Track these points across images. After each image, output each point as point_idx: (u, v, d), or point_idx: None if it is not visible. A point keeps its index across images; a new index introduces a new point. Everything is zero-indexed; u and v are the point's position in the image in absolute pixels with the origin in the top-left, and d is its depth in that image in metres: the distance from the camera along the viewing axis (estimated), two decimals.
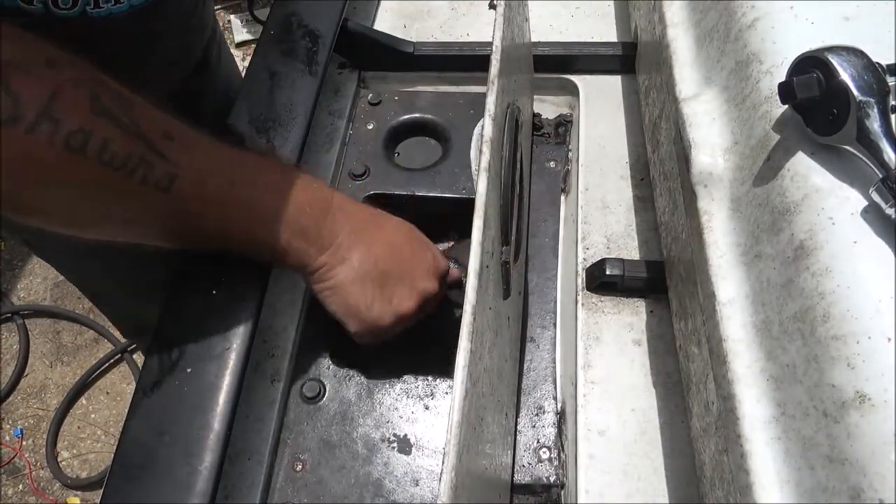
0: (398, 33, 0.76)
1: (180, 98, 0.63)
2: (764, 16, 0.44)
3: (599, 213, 0.62)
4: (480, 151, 0.40)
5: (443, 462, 0.31)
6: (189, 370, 0.48)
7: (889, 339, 0.30)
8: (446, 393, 0.55)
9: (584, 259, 0.59)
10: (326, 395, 0.55)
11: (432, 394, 0.55)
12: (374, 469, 0.52)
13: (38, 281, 1.80)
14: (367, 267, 0.49)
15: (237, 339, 0.49)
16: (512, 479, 0.51)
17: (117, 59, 0.53)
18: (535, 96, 0.75)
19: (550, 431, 0.54)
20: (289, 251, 0.47)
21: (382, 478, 0.51)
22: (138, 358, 1.63)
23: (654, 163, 0.60)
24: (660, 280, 0.55)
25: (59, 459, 1.55)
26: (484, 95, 0.42)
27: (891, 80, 0.35)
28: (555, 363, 0.57)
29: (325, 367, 0.57)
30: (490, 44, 0.44)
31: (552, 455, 0.52)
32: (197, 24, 0.67)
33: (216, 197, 0.44)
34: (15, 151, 0.35)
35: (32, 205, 0.39)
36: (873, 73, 0.34)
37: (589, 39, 0.75)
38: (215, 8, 2.47)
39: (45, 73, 0.36)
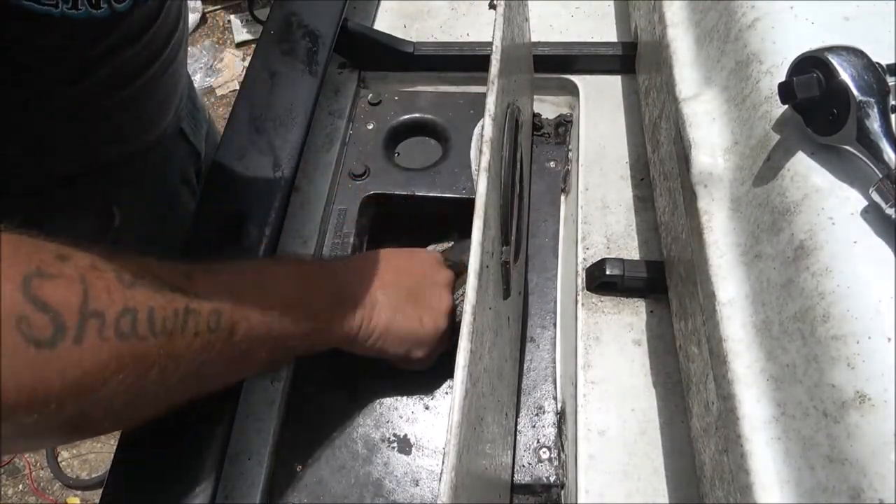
0: (398, 33, 0.76)
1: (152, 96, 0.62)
2: (764, 16, 0.44)
3: (599, 213, 0.62)
4: (480, 151, 0.40)
5: (443, 462, 0.31)
6: None
7: (889, 339, 0.30)
8: (446, 393, 0.55)
9: (584, 259, 0.59)
10: (326, 395, 0.55)
11: (432, 394, 0.55)
12: (374, 469, 0.52)
13: None
14: (394, 294, 0.51)
15: None
16: (512, 479, 0.51)
17: (98, 60, 0.53)
18: (535, 96, 0.75)
19: (550, 431, 0.54)
20: (332, 328, 0.47)
21: (382, 478, 0.51)
22: None
23: (654, 163, 0.60)
24: (660, 280, 0.55)
25: (59, 459, 1.54)
26: (484, 95, 0.42)
27: (891, 80, 0.35)
28: (555, 363, 0.57)
29: (325, 367, 0.57)
30: (490, 44, 0.44)
31: (552, 455, 0.52)
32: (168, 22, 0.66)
33: (252, 311, 0.41)
34: (73, 372, 0.31)
35: (92, 417, 0.34)
36: (873, 73, 0.34)
37: (589, 39, 0.75)
38: (216, 8, 2.47)
39: (65, 270, 0.32)
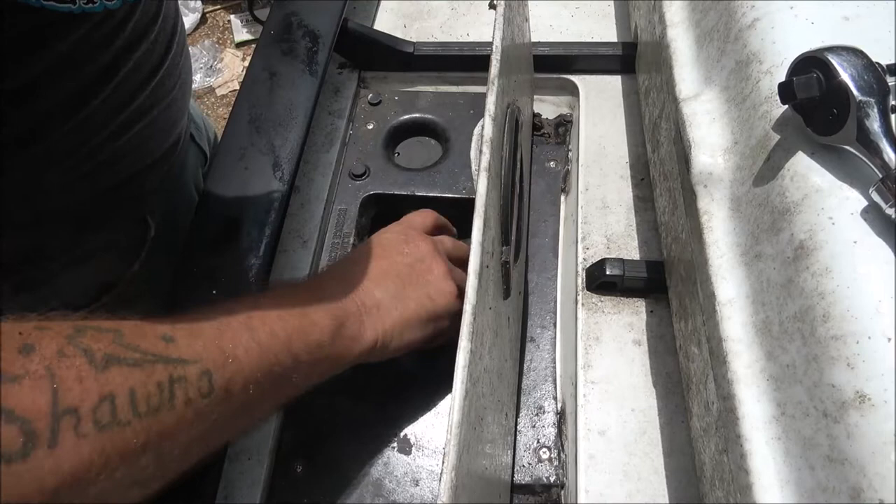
0: (398, 33, 0.76)
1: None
2: (764, 16, 0.44)
3: (599, 213, 0.62)
4: (480, 151, 0.40)
5: (443, 462, 0.31)
6: None
7: (889, 339, 0.30)
8: (446, 393, 0.55)
9: (584, 259, 0.59)
10: (326, 394, 0.55)
11: (432, 394, 0.55)
12: (374, 469, 0.52)
13: None
14: (392, 285, 0.49)
15: None
16: (512, 479, 0.51)
17: (118, 58, 0.53)
18: (535, 96, 0.75)
19: (550, 431, 0.54)
20: (342, 351, 0.45)
21: (382, 478, 0.51)
22: None
23: (654, 163, 0.60)
24: (660, 280, 0.55)
25: None
26: (484, 95, 0.42)
27: (891, 80, 0.35)
28: (555, 363, 0.57)
29: None
30: (490, 44, 0.44)
31: (552, 455, 0.52)
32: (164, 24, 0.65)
33: (248, 359, 0.38)
34: (51, 480, 0.28)
35: None
36: (873, 73, 0.34)
37: (589, 39, 0.75)
38: (215, 8, 2.47)
39: (30, 367, 0.28)
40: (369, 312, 0.47)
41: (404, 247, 0.52)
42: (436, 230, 0.57)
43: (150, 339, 0.34)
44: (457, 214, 0.62)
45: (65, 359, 0.30)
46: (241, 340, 0.38)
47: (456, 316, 0.48)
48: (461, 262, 0.54)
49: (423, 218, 0.57)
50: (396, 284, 0.49)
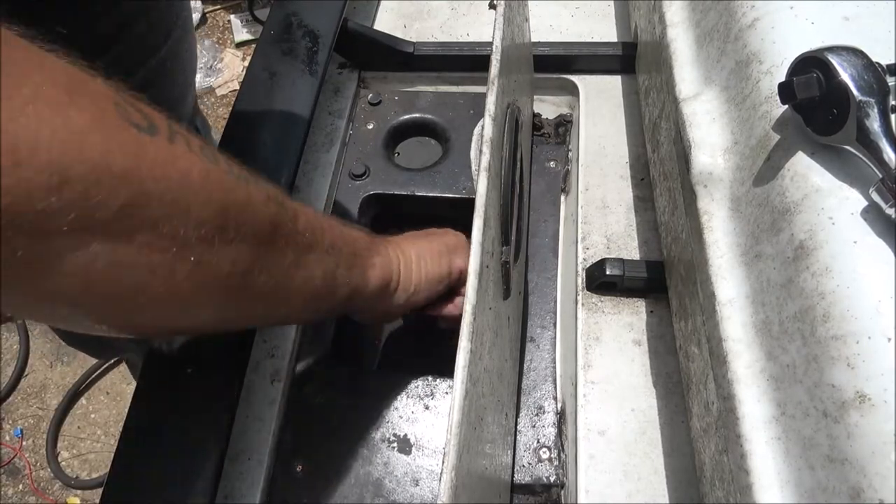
0: (398, 33, 0.76)
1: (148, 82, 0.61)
2: (764, 16, 0.44)
3: (599, 213, 0.62)
4: (480, 151, 0.40)
5: (443, 462, 0.31)
6: (189, 370, 0.48)
7: (889, 339, 0.30)
8: (446, 393, 0.55)
9: (584, 259, 0.59)
10: (326, 394, 0.55)
11: (432, 394, 0.55)
12: (374, 469, 0.52)
13: None
14: (422, 246, 0.52)
15: (237, 338, 0.49)
16: (512, 479, 0.51)
17: (93, 33, 0.53)
18: (535, 96, 0.75)
19: (550, 431, 0.54)
20: (372, 269, 0.46)
21: (382, 478, 0.51)
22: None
23: (654, 163, 0.60)
24: (660, 280, 0.55)
25: (59, 459, 1.55)
26: (484, 95, 0.42)
27: (891, 80, 0.35)
28: (555, 363, 0.57)
29: (325, 367, 0.57)
30: (490, 44, 0.44)
31: (552, 455, 0.52)
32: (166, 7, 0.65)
33: (307, 212, 0.40)
34: (165, 171, 0.27)
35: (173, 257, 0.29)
36: (873, 73, 0.34)
37: (589, 39, 0.75)
38: (215, 8, 2.47)
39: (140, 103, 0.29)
40: (407, 264, 0.49)
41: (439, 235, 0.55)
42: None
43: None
44: (457, 214, 0.62)
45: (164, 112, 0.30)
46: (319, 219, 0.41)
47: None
48: None
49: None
50: (425, 246, 0.52)
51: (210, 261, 0.31)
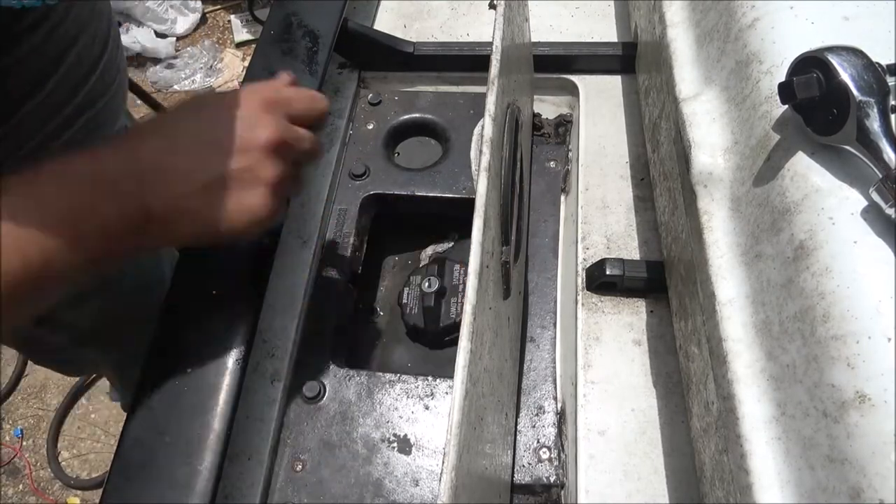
0: (398, 33, 0.76)
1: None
2: (764, 16, 0.44)
3: (599, 213, 0.62)
4: (480, 151, 0.40)
5: (443, 462, 0.31)
6: (189, 370, 0.48)
7: (889, 339, 0.30)
8: (446, 393, 0.55)
9: (584, 259, 0.59)
10: (326, 395, 0.55)
11: (432, 394, 0.55)
12: (374, 469, 0.52)
13: None
14: (199, 167, 0.41)
15: (237, 338, 0.49)
16: (512, 479, 0.51)
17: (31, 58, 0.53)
18: (535, 96, 0.75)
19: (550, 431, 0.54)
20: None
21: (382, 478, 0.51)
22: None
23: (654, 163, 0.60)
24: (660, 280, 0.55)
25: (59, 459, 1.55)
26: (484, 95, 0.42)
27: (891, 80, 0.35)
28: (555, 363, 0.57)
29: (325, 367, 0.57)
30: (490, 44, 0.44)
31: (552, 455, 0.52)
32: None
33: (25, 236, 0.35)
34: None
35: None
36: (873, 73, 0.34)
37: (589, 39, 0.75)
38: (216, 8, 2.47)
39: None
40: (154, 178, 0.39)
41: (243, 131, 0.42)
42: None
43: None
44: (457, 214, 0.62)
45: None
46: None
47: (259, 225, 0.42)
48: (300, 120, 0.46)
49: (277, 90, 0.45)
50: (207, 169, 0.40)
51: None
